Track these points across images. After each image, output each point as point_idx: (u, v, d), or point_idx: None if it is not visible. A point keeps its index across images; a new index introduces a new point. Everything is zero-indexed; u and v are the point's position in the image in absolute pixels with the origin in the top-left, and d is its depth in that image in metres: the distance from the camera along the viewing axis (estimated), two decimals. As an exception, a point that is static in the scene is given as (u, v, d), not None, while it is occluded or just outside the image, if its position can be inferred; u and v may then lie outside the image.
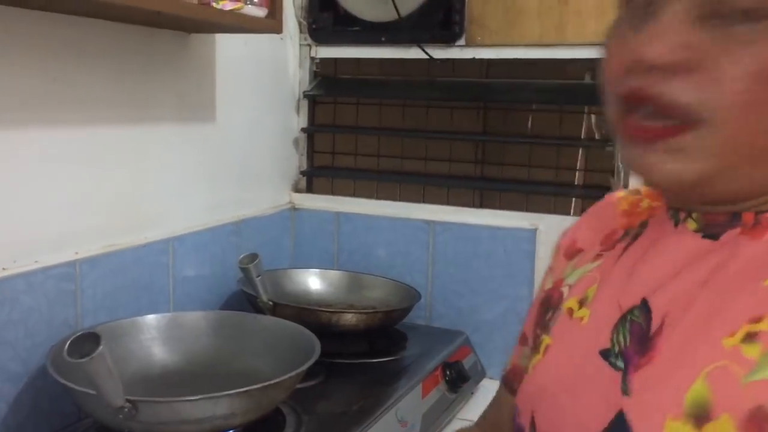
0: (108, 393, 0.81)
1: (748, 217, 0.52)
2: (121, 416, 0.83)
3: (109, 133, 1.13)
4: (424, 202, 1.58)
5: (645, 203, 0.65)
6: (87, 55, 1.08)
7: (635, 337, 0.53)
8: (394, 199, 1.58)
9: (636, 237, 0.61)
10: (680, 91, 0.48)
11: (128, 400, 0.82)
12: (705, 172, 0.50)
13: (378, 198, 1.60)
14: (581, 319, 0.60)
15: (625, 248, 0.61)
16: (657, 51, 0.48)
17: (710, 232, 0.53)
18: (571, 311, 0.62)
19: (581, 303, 0.61)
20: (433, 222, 1.50)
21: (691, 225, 0.55)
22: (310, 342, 1.03)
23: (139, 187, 1.20)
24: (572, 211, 1.50)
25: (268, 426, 0.99)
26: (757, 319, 0.47)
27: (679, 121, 0.49)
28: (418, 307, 1.43)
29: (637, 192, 0.67)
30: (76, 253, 1.06)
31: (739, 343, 0.47)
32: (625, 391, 0.51)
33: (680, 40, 0.48)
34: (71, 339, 0.78)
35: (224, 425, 0.90)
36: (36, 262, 1.00)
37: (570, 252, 0.69)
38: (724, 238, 0.52)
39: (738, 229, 0.52)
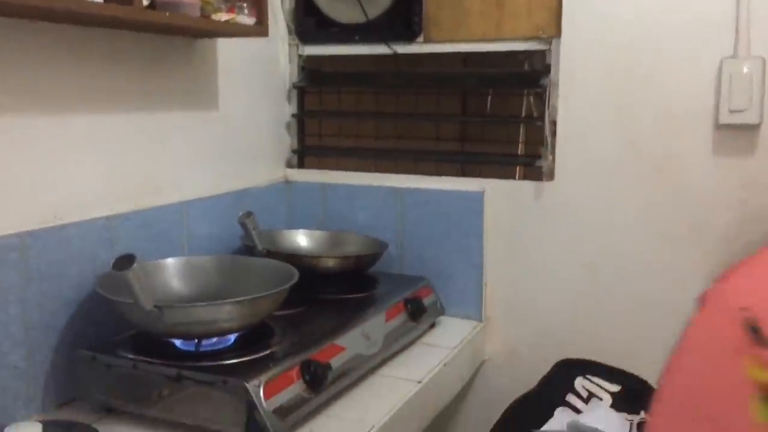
0: (141, 300, 1.13)
1: None
2: (150, 319, 1.15)
3: (134, 119, 1.45)
4: (395, 173, 1.89)
5: None
6: (116, 58, 1.40)
7: None
8: (370, 171, 1.89)
9: None
10: None
11: (156, 306, 1.14)
12: None
13: (357, 171, 1.91)
14: None
15: None
16: None
17: None
18: None
19: None
20: (401, 189, 1.82)
21: None
22: (291, 273, 1.34)
23: (159, 162, 1.52)
24: (516, 176, 1.82)
25: (261, 335, 1.30)
26: None
27: None
28: (390, 257, 1.76)
29: None
30: (111, 210, 1.38)
31: None
32: None
33: None
34: (115, 258, 1.10)
35: (226, 328, 1.22)
36: (82, 215, 1.32)
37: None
38: None
39: None
